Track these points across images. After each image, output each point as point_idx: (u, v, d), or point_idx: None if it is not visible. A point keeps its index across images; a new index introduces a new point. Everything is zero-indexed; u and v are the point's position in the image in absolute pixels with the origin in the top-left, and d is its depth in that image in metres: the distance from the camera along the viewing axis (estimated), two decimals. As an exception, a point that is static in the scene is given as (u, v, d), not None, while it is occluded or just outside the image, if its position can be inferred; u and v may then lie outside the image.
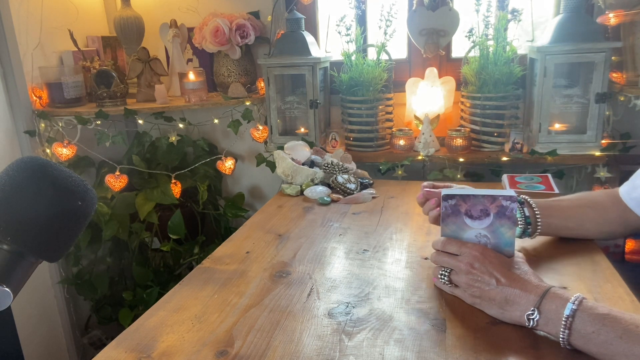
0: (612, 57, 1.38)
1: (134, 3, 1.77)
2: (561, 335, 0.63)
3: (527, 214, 0.87)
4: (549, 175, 1.29)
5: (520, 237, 0.89)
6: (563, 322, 0.63)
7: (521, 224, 0.87)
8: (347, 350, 0.66)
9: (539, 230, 0.89)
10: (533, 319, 0.66)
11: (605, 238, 0.94)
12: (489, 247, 0.76)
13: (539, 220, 0.88)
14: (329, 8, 1.71)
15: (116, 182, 1.65)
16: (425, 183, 0.93)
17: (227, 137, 1.90)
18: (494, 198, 0.75)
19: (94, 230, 1.72)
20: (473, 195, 0.76)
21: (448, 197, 0.77)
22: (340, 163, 1.41)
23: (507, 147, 1.49)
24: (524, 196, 0.89)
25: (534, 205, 0.88)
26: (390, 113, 1.65)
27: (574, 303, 0.63)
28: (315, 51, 1.61)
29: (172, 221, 1.71)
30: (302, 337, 0.70)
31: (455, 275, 0.76)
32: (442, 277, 0.77)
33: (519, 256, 0.77)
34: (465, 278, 0.74)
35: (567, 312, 0.63)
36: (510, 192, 0.76)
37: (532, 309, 0.66)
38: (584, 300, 0.64)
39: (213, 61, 1.80)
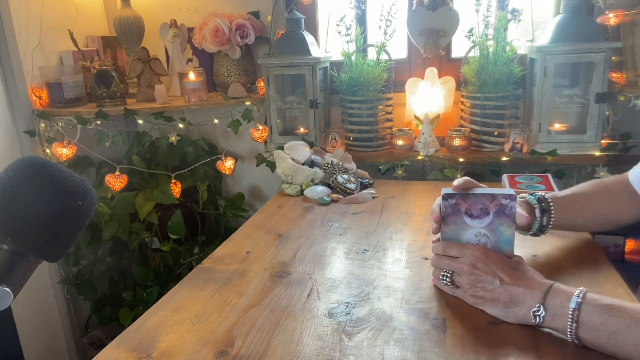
0: (612, 57, 1.38)
1: (134, 3, 1.77)
2: (569, 329, 0.63)
3: (543, 223, 0.85)
4: (549, 175, 1.29)
5: (526, 234, 0.88)
6: (570, 316, 0.63)
7: (532, 231, 0.86)
8: (347, 350, 0.66)
9: (548, 229, 0.87)
10: (539, 315, 0.66)
11: (611, 228, 0.93)
12: (489, 246, 0.77)
13: (552, 220, 0.86)
14: (329, 8, 1.71)
15: (116, 182, 1.65)
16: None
17: (227, 137, 1.90)
18: (493, 197, 0.75)
19: (94, 230, 1.72)
20: (473, 194, 0.76)
21: (448, 196, 0.77)
22: (340, 163, 1.41)
23: (507, 147, 1.49)
24: (542, 194, 0.87)
25: (551, 204, 0.86)
26: (390, 113, 1.65)
27: (578, 296, 0.63)
28: (315, 51, 1.61)
29: (172, 221, 1.71)
30: (302, 337, 0.70)
31: (457, 276, 0.76)
32: (444, 278, 0.77)
33: (518, 256, 0.77)
34: (467, 279, 0.74)
35: (572, 305, 0.63)
36: (510, 190, 0.76)
37: (538, 305, 0.66)
38: (587, 293, 0.64)
39: (213, 61, 1.80)
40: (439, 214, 0.79)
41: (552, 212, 0.86)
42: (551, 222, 0.86)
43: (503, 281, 0.70)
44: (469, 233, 0.77)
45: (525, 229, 0.86)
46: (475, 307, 0.74)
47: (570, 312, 0.63)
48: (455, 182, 0.78)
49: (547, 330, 0.67)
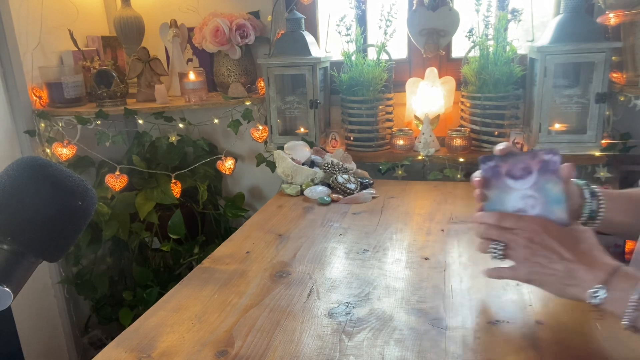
0: (612, 57, 1.38)
1: (134, 3, 1.77)
2: (626, 317, 0.60)
3: (593, 207, 0.77)
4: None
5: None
6: (632, 305, 0.59)
7: (583, 219, 0.77)
8: (347, 350, 0.66)
9: (600, 216, 0.79)
10: (598, 297, 0.62)
11: None
12: (538, 207, 0.70)
13: (601, 205, 0.78)
14: (329, 8, 1.71)
15: (116, 182, 1.65)
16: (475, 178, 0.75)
17: (227, 137, 1.90)
18: (534, 154, 0.70)
19: (94, 230, 1.72)
20: (513, 154, 0.71)
21: (486, 159, 0.72)
22: (340, 163, 1.41)
23: (507, 147, 1.49)
24: (593, 187, 0.79)
25: (597, 190, 0.78)
26: (391, 113, 1.65)
27: None
28: (315, 51, 1.61)
29: (172, 221, 1.71)
30: (302, 337, 0.70)
31: (510, 250, 0.69)
32: (495, 250, 0.70)
33: (584, 228, 0.69)
34: (523, 252, 0.67)
35: (637, 295, 0.59)
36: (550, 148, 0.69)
37: (599, 286, 0.62)
38: None
39: (213, 61, 1.80)
40: (481, 178, 0.72)
41: (600, 197, 0.78)
42: (601, 208, 0.78)
43: (563, 257, 0.65)
44: (514, 196, 0.71)
45: (576, 217, 0.77)
46: (529, 284, 0.69)
47: (632, 301, 0.59)
48: (500, 146, 0.71)
49: (546, 329, 0.67)
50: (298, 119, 1.70)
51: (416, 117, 1.62)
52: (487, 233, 0.72)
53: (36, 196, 0.48)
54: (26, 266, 0.50)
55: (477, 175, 0.74)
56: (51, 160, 0.51)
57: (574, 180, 0.78)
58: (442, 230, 1.06)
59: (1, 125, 1.57)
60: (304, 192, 1.32)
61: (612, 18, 1.35)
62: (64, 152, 1.62)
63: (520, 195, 0.71)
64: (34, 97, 1.65)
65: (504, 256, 0.69)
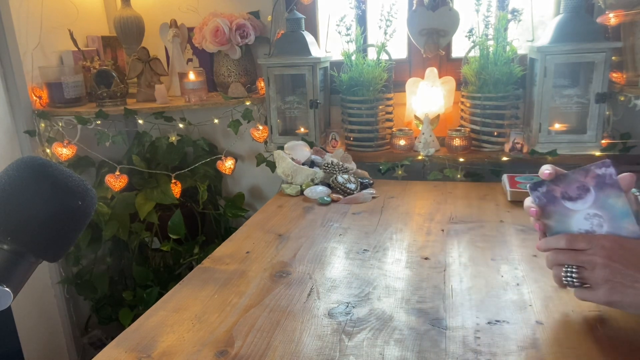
0: (612, 57, 1.38)
1: (134, 3, 1.77)
2: None
3: None
4: (549, 175, 1.28)
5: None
6: None
7: None
8: (347, 350, 0.66)
9: None
10: None
11: None
12: (605, 225, 0.66)
13: None
14: (329, 8, 1.71)
15: (116, 182, 1.65)
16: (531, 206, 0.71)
17: (227, 137, 1.90)
18: (586, 170, 0.67)
19: (94, 230, 1.72)
20: (562, 175, 0.68)
21: (536, 185, 0.69)
22: (340, 163, 1.41)
23: (507, 147, 1.49)
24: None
25: None
26: (391, 113, 1.65)
27: None
28: (315, 51, 1.61)
29: (172, 221, 1.71)
30: (302, 337, 0.70)
31: (587, 272, 0.64)
32: (569, 274, 0.66)
33: None
34: (603, 273, 0.62)
35: None
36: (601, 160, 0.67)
37: None
38: None
39: (213, 61, 1.80)
40: (537, 208, 0.69)
41: None
42: None
43: None
44: (577, 218, 0.67)
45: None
46: (610, 306, 0.65)
47: None
48: (546, 170, 0.68)
49: (546, 329, 0.67)
50: (298, 119, 1.70)
51: (416, 117, 1.62)
52: (558, 259, 0.68)
53: (36, 196, 0.48)
54: (26, 266, 0.50)
55: (531, 205, 0.70)
56: (51, 160, 0.51)
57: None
58: (442, 230, 1.06)
59: (1, 125, 1.57)
60: (304, 192, 1.32)
61: (612, 18, 1.35)
62: (64, 152, 1.62)
63: (583, 216, 0.67)
64: (34, 97, 1.65)
65: (580, 279, 0.66)
